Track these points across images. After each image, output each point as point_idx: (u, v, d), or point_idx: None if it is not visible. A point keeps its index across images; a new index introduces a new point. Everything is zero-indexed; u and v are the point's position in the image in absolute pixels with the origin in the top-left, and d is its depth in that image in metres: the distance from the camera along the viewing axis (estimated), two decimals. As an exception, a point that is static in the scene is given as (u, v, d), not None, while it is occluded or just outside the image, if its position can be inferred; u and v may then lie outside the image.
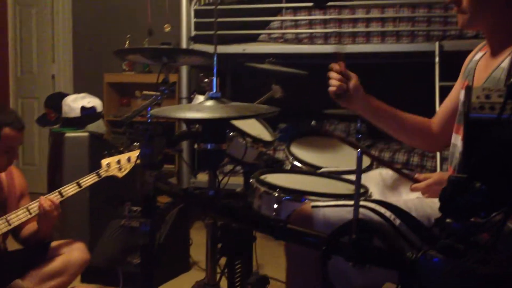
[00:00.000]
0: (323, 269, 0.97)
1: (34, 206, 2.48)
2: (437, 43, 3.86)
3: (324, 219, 1.53)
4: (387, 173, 1.99)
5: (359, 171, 0.97)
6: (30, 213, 2.48)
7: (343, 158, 2.33)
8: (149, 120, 2.14)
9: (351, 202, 1.57)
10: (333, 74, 1.86)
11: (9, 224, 2.43)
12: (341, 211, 1.54)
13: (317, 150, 2.41)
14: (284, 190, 1.78)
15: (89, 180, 2.64)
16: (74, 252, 2.71)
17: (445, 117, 1.91)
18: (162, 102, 2.66)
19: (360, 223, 0.93)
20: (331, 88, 1.85)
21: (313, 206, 1.57)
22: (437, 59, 3.81)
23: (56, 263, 2.65)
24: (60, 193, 2.56)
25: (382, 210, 1.45)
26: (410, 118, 1.95)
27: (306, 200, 1.69)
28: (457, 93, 1.86)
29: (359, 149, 0.98)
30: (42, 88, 5.63)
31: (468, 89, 0.95)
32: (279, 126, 4.93)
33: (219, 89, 1.67)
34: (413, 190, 1.81)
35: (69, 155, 3.46)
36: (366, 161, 2.34)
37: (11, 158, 2.52)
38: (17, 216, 2.45)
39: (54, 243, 2.76)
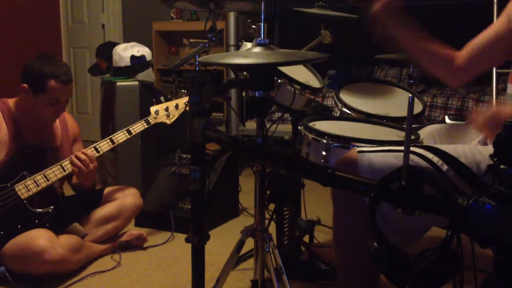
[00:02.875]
0: (372, 215, 0.96)
1: (87, 151, 2.56)
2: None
3: (369, 165, 1.51)
4: (441, 127, 1.94)
5: (410, 117, 0.95)
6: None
7: (393, 104, 2.28)
8: (197, 68, 2.13)
9: (397, 148, 1.56)
10: None
11: (64, 170, 2.51)
12: (387, 157, 1.52)
13: (366, 96, 2.37)
14: (332, 137, 1.77)
15: (138, 127, 2.69)
16: (128, 198, 2.81)
17: (475, 52, 1.81)
18: (209, 50, 2.65)
19: (411, 169, 0.91)
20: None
21: (359, 152, 1.56)
22: (495, -1, 3.63)
23: (111, 208, 2.75)
24: (111, 140, 2.63)
25: (430, 155, 1.42)
26: (434, 48, 1.85)
27: (355, 147, 1.67)
28: (495, 32, 1.77)
29: (410, 95, 0.95)
30: (93, 37, 5.70)
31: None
32: (328, 73, 4.86)
33: (267, 35, 1.64)
34: (469, 124, 1.73)
35: (121, 104, 3.52)
36: (417, 107, 2.29)
37: (58, 111, 2.56)
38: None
39: (108, 189, 2.86)
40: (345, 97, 2.29)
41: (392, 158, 1.50)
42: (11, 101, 2.55)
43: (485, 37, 1.81)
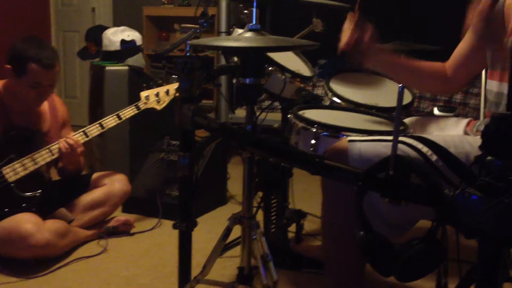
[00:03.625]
0: (359, 204, 0.97)
1: (76, 135, 2.55)
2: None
3: (359, 154, 1.52)
4: (417, 120, 1.97)
5: (400, 107, 0.95)
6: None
7: (383, 94, 2.29)
8: (188, 54, 2.12)
9: (387, 137, 1.56)
10: (346, 26, 1.88)
11: (52, 154, 2.50)
12: (377, 146, 1.53)
13: (356, 86, 2.37)
14: (322, 125, 1.77)
15: (128, 112, 2.68)
16: (116, 184, 2.79)
17: (460, 60, 1.85)
18: (200, 36, 2.63)
19: (398, 159, 0.91)
20: (340, 45, 1.88)
21: (349, 141, 1.56)
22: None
23: (98, 194, 2.74)
24: (101, 125, 2.61)
25: (420, 145, 1.43)
26: (425, 67, 1.92)
27: (344, 136, 1.68)
28: (475, 37, 1.79)
29: (400, 85, 0.95)
30: (83, 21, 5.64)
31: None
32: (319, 62, 4.85)
33: (259, 21, 1.63)
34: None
35: (109, 88, 3.50)
36: (406, 98, 2.29)
37: (41, 95, 2.51)
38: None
39: (95, 175, 2.85)
40: (336, 86, 2.29)
41: (382, 147, 1.51)
42: (-1, 83, 2.53)
43: (466, 43, 1.83)
